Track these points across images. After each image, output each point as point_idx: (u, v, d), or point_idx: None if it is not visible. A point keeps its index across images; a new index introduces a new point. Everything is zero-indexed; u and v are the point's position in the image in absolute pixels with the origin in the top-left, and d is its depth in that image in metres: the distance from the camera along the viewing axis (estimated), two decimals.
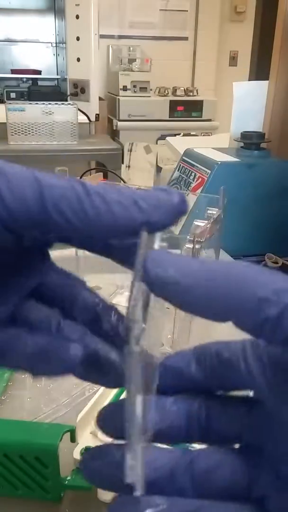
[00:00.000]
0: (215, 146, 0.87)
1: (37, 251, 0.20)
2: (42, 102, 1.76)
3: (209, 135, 2.54)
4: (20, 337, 0.19)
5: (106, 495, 0.31)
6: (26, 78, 2.86)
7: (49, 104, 1.74)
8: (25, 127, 1.73)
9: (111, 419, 0.18)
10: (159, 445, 0.18)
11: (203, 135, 2.57)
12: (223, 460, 0.17)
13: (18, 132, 1.72)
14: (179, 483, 0.16)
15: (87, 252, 0.21)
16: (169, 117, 2.73)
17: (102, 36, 2.32)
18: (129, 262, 0.19)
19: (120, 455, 0.16)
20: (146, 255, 0.15)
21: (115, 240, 0.19)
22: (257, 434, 0.17)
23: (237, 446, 0.18)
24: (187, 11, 2.99)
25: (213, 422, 0.18)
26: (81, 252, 0.50)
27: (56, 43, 3.05)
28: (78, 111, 1.79)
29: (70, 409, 0.40)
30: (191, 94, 2.84)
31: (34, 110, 1.72)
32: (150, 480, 0.16)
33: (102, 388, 0.36)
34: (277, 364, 0.16)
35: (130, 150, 2.35)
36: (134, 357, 0.15)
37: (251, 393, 0.18)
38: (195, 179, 0.78)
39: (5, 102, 1.84)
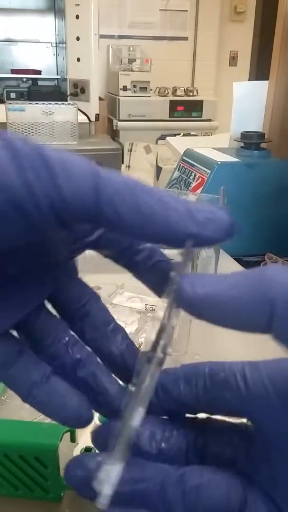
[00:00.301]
0: (215, 146, 0.87)
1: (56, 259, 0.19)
2: (42, 102, 1.76)
3: (209, 135, 2.54)
4: (27, 365, 0.19)
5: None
6: (26, 78, 2.86)
7: (49, 104, 1.75)
8: (25, 127, 1.73)
9: (104, 438, 0.18)
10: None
11: (203, 135, 2.57)
12: (216, 479, 0.17)
13: (18, 132, 1.72)
14: (169, 497, 0.16)
15: (86, 252, 0.21)
16: (169, 117, 2.73)
17: (102, 36, 2.32)
18: (150, 281, 0.20)
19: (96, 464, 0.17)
20: (182, 277, 0.16)
21: (140, 257, 0.19)
22: (252, 459, 0.17)
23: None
24: (187, 11, 2.99)
25: (209, 447, 0.18)
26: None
27: (56, 43, 3.05)
28: (78, 111, 1.79)
29: None
30: (191, 94, 2.84)
31: (34, 110, 1.72)
32: (139, 491, 0.16)
33: None
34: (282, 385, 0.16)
35: (130, 150, 2.35)
36: (155, 365, 0.15)
37: (244, 420, 0.18)
38: (195, 179, 0.78)
39: (5, 102, 1.84)
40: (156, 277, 0.20)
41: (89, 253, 0.20)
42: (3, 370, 0.18)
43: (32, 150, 0.15)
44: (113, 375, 0.20)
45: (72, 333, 0.20)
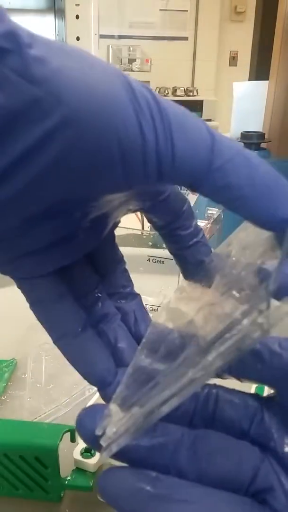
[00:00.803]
0: None
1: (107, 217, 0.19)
2: None
3: None
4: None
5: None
6: None
7: None
8: None
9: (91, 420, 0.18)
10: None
11: None
12: (229, 447, 0.17)
13: None
14: (181, 461, 0.16)
15: None
16: None
17: (102, 36, 2.32)
18: (183, 259, 0.20)
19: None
20: None
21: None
22: (266, 427, 0.17)
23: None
24: (187, 11, 2.99)
25: (219, 414, 0.17)
26: None
27: None
28: None
29: (70, 409, 0.40)
30: (191, 94, 2.84)
31: None
32: (153, 450, 0.16)
33: None
34: None
35: None
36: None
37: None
38: None
39: None
40: (191, 257, 0.20)
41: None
42: (41, 307, 0.19)
43: (148, 92, 0.14)
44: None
45: (102, 288, 0.21)
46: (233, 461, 0.16)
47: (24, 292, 0.19)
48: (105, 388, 0.19)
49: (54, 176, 0.14)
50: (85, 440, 0.17)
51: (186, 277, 0.21)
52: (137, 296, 0.21)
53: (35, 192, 0.14)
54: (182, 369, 0.15)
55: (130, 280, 0.22)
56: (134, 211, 0.20)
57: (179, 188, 0.21)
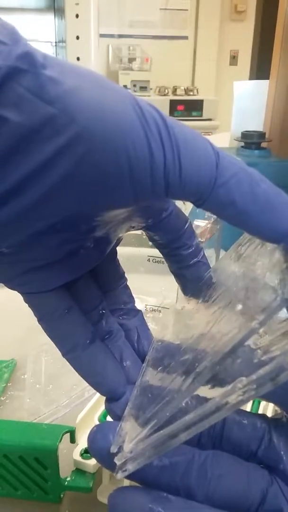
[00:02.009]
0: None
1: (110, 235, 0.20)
2: None
3: (209, 135, 2.54)
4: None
5: (105, 496, 0.31)
6: None
7: None
8: None
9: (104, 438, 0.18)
10: None
11: (204, 135, 2.56)
12: (238, 469, 0.16)
13: None
14: (190, 482, 0.16)
15: None
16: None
17: (102, 35, 2.32)
18: (183, 277, 0.21)
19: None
20: None
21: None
22: (275, 448, 0.17)
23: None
24: (187, 10, 2.99)
25: (228, 432, 0.17)
26: None
27: (56, 42, 3.05)
28: None
29: (69, 410, 0.40)
30: (191, 93, 2.83)
31: None
32: (164, 471, 0.16)
33: None
34: None
35: None
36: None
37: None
38: None
39: None
40: (191, 275, 0.20)
41: None
42: (50, 322, 0.19)
43: (156, 113, 0.14)
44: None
45: (106, 306, 0.21)
46: (242, 483, 0.16)
47: (32, 306, 0.19)
48: (116, 398, 0.19)
49: (64, 191, 0.14)
50: (97, 458, 0.17)
51: (185, 293, 0.21)
52: (138, 312, 0.22)
53: (45, 207, 0.14)
54: (195, 385, 0.15)
55: (132, 296, 0.22)
56: (138, 228, 0.21)
57: (182, 203, 0.21)
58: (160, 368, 0.17)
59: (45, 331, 0.19)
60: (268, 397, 0.17)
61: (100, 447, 0.16)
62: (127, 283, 0.22)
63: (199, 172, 0.15)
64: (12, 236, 0.15)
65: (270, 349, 0.15)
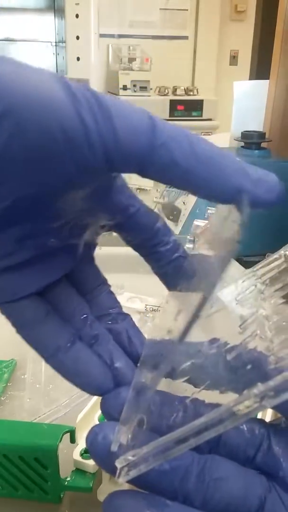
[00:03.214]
0: None
1: (78, 238, 0.20)
2: None
3: (209, 135, 2.54)
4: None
5: (105, 496, 0.31)
6: None
7: None
8: None
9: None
10: None
11: (204, 135, 2.57)
12: (236, 474, 0.16)
13: None
14: (189, 487, 0.16)
15: None
16: (169, 117, 2.72)
17: (102, 35, 2.32)
18: (166, 274, 0.20)
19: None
20: None
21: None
22: (274, 455, 0.17)
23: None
24: (187, 10, 2.98)
25: (225, 436, 0.17)
26: None
27: (56, 42, 3.04)
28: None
29: (69, 409, 0.40)
30: (191, 93, 2.83)
31: None
32: (163, 476, 0.16)
33: None
34: None
35: None
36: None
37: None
38: None
39: None
40: (173, 271, 0.20)
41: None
42: (29, 329, 0.19)
43: (87, 91, 0.15)
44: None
45: (88, 310, 0.21)
46: (239, 489, 0.16)
47: (9, 317, 0.19)
48: (104, 393, 0.19)
49: (4, 171, 0.14)
50: (97, 460, 0.16)
51: (170, 289, 0.21)
52: (127, 316, 0.21)
53: None
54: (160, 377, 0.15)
55: (118, 302, 0.22)
56: (107, 230, 0.20)
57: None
58: (150, 366, 0.17)
59: (25, 340, 0.19)
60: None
61: (100, 448, 0.16)
62: (111, 289, 0.22)
63: (135, 135, 0.15)
64: None
65: (280, 354, 0.15)
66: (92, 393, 0.19)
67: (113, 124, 0.14)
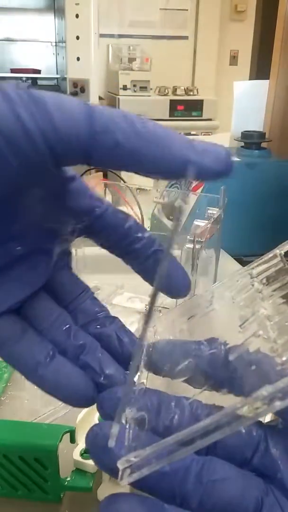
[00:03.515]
0: None
1: (50, 247, 0.20)
2: None
3: (209, 135, 2.54)
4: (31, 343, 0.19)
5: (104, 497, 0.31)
6: (25, 77, 2.85)
7: None
8: None
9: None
10: None
11: (204, 135, 2.57)
12: (233, 476, 0.16)
13: None
14: (187, 489, 0.16)
15: (86, 252, 0.21)
16: (169, 117, 2.72)
17: (102, 35, 2.32)
18: (146, 270, 0.20)
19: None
20: None
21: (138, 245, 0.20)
22: (271, 457, 0.17)
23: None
24: (187, 10, 2.99)
25: (221, 442, 0.17)
26: (81, 252, 0.50)
27: (56, 42, 3.04)
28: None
29: (69, 409, 0.39)
30: (191, 93, 2.83)
31: None
32: (164, 476, 0.16)
33: None
34: None
35: None
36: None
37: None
38: None
39: None
40: (153, 265, 0.20)
41: (89, 254, 0.21)
42: (7, 347, 0.19)
43: (21, 90, 0.15)
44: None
45: (71, 321, 0.20)
46: (236, 490, 0.16)
47: None
48: (87, 404, 0.19)
49: None
50: (97, 460, 0.16)
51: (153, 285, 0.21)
52: (115, 318, 0.21)
53: None
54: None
55: (103, 306, 0.21)
56: (78, 235, 0.20)
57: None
58: (159, 371, 0.17)
59: (3, 359, 0.19)
60: None
61: (100, 448, 0.16)
62: (94, 295, 0.22)
63: (73, 121, 0.15)
64: None
65: (285, 355, 0.15)
66: (74, 404, 0.19)
67: (50, 114, 0.15)
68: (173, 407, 0.17)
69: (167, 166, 0.16)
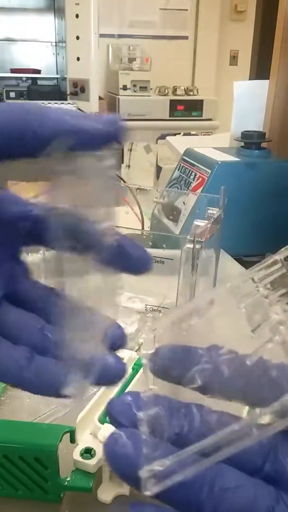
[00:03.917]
0: (215, 146, 0.87)
1: (7, 256, 0.20)
2: (41, 101, 1.76)
3: (209, 135, 2.54)
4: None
5: (105, 496, 0.31)
6: (25, 77, 2.85)
7: (49, 103, 1.75)
8: None
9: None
10: None
11: (204, 135, 2.57)
12: (245, 484, 0.16)
13: None
14: (202, 497, 0.16)
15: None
16: (169, 117, 2.72)
17: (102, 35, 2.32)
18: (106, 260, 0.20)
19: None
20: None
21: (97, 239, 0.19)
22: (282, 464, 0.16)
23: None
24: (187, 10, 2.98)
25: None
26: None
27: (56, 42, 3.04)
28: (78, 111, 1.79)
29: (69, 409, 0.39)
30: (191, 93, 2.83)
31: None
32: (183, 486, 0.16)
33: (102, 389, 0.36)
34: None
35: (130, 150, 2.35)
36: None
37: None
38: (196, 179, 0.78)
39: (4, 101, 1.84)
40: (118, 252, 0.20)
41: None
42: None
43: None
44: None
45: (43, 321, 0.20)
46: (248, 498, 0.16)
47: None
48: (79, 397, 0.19)
49: None
50: (118, 471, 0.16)
51: (131, 272, 0.21)
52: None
53: None
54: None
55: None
56: (28, 244, 0.21)
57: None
58: (170, 378, 0.17)
59: None
60: None
61: (121, 457, 0.16)
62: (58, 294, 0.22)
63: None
64: None
65: None
66: (65, 397, 0.19)
67: None
68: (183, 414, 0.17)
69: (86, 139, 0.17)
